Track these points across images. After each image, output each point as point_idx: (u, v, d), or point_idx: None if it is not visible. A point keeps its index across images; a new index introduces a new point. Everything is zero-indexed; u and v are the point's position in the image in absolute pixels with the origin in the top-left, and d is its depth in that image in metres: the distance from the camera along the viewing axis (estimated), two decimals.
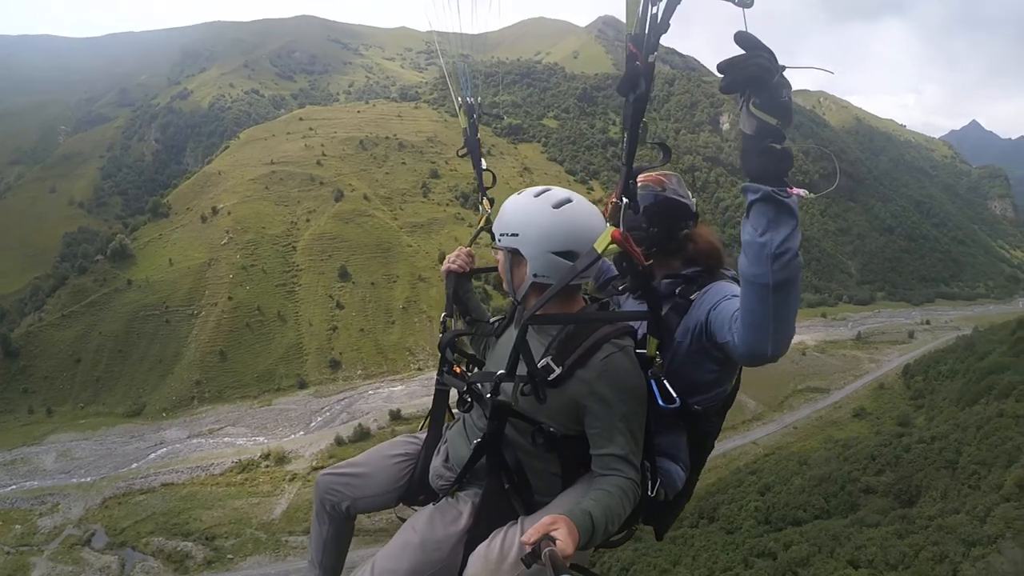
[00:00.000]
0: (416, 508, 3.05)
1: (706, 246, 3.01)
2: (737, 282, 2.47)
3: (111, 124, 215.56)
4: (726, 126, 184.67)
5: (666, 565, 37.83)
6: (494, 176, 3.87)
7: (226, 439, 79.42)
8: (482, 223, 3.69)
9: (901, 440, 51.55)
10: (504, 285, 2.79)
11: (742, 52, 1.85)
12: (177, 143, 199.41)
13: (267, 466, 71.85)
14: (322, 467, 68.09)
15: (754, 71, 1.84)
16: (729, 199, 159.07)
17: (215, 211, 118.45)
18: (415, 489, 3.12)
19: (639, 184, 2.80)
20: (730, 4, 1.74)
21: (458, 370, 3.09)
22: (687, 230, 3.06)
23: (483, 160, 3.85)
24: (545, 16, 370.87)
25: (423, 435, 3.26)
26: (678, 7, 1.94)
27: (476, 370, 3.18)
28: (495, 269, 3.28)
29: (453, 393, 3.06)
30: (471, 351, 3.37)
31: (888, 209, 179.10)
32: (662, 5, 1.95)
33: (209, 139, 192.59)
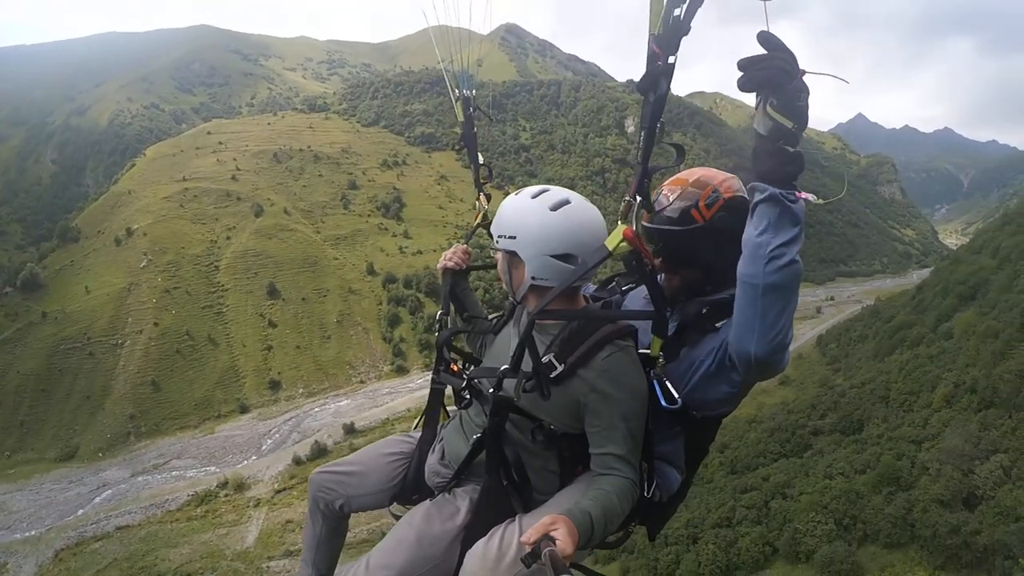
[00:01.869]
0: (410, 507, 3.09)
1: None
2: None
3: (5, 144, 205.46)
4: (631, 129, 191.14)
5: None
6: (490, 171, 3.91)
7: (174, 472, 76.94)
8: (479, 220, 3.73)
9: (835, 389, 60.42)
10: (503, 285, 2.83)
11: (763, 52, 1.91)
12: (76, 163, 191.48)
13: (227, 495, 70.03)
14: (284, 489, 67.86)
15: (774, 73, 1.89)
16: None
17: (129, 232, 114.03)
18: (409, 488, 3.15)
19: (695, 201, 2.78)
20: None
21: (455, 368, 3.16)
22: None
23: (480, 155, 3.89)
24: (447, 25, 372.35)
25: (417, 434, 3.30)
26: (699, 9, 2.02)
27: (473, 368, 3.19)
28: (492, 267, 3.47)
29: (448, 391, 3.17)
30: (468, 349, 3.45)
31: None
32: (685, 7, 2.02)
33: (110, 157, 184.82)
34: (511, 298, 2.87)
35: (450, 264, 3.41)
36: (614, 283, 3.37)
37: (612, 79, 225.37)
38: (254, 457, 78.81)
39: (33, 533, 66.72)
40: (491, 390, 2.64)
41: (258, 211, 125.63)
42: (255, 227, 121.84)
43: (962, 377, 41.63)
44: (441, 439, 3.07)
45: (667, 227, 2.75)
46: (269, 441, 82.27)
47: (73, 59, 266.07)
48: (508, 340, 2.83)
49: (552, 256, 2.58)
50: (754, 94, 1.98)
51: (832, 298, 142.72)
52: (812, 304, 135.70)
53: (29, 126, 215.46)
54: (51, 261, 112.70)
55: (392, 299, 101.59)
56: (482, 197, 3.79)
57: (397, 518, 3.01)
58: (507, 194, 2.90)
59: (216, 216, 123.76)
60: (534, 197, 2.68)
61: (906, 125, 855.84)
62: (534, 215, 2.62)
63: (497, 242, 2.73)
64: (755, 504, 37.16)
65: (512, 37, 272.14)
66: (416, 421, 3.35)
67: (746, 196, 2.53)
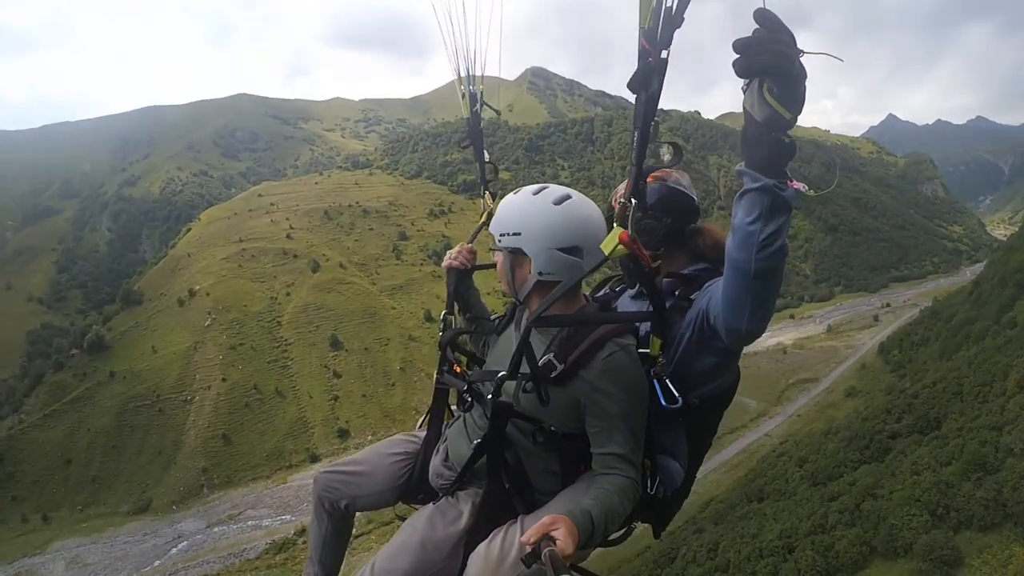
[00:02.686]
0: (415, 507, 3.10)
1: (714, 241, 3.02)
2: None
3: (60, 216, 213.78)
4: (667, 157, 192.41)
5: (754, 530, 41.38)
6: (496, 168, 3.85)
7: (250, 522, 77.67)
8: (484, 219, 3.64)
9: (906, 392, 59.05)
10: (503, 287, 2.77)
11: (759, 31, 1.76)
12: (131, 231, 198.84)
13: (305, 542, 69.66)
14: (362, 534, 68.18)
15: (775, 58, 1.75)
16: None
17: (192, 293, 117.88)
18: (414, 488, 3.13)
19: (649, 178, 2.89)
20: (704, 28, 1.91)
21: (458, 369, 3.11)
22: (694, 224, 3.11)
23: (485, 153, 3.79)
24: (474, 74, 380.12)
25: (422, 434, 3.27)
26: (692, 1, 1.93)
27: (476, 368, 3.20)
28: (493, 266, 3.48)
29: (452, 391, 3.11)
30: (471, 349, 3.39)
31: (829, 210, 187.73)
32: None
33: (165, 224, 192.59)
34: (513, 299, 2.84)
35: (455, 263, 3.36)
36: (607, 286, 3.37)
37: None
38: None
39: None
40: (490, 395, 2.61)
41: (315, 267, 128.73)
42: (313, 282, 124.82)
43: None
44: (445, 439, 3.07)
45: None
46: None
47: (118, 132, 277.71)
48: (509, 342, 2.82)
49: (559, 249, 2.59)
50: (768, 80, 1.83)
51: (888, 305, 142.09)
52: (868, 313, 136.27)
53: (82, 198, 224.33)
54: (116, 323, 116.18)
55: None
56: (487, 196, 3.74)
57: (402, 518, 3.04)
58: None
59: (274, 274, 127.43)
60: (535, 194, 2.69)
61: (938, 119, 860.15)
62: (538, 210, 2.64)
63: (500, 241, 2.69)
64: (846, 508, 36.73)
65: (539, 80, 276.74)
66: (420, 420, 3.37)
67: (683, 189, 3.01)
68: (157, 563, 70.91)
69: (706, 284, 2.71)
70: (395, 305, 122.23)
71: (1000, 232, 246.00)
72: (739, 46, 1.77)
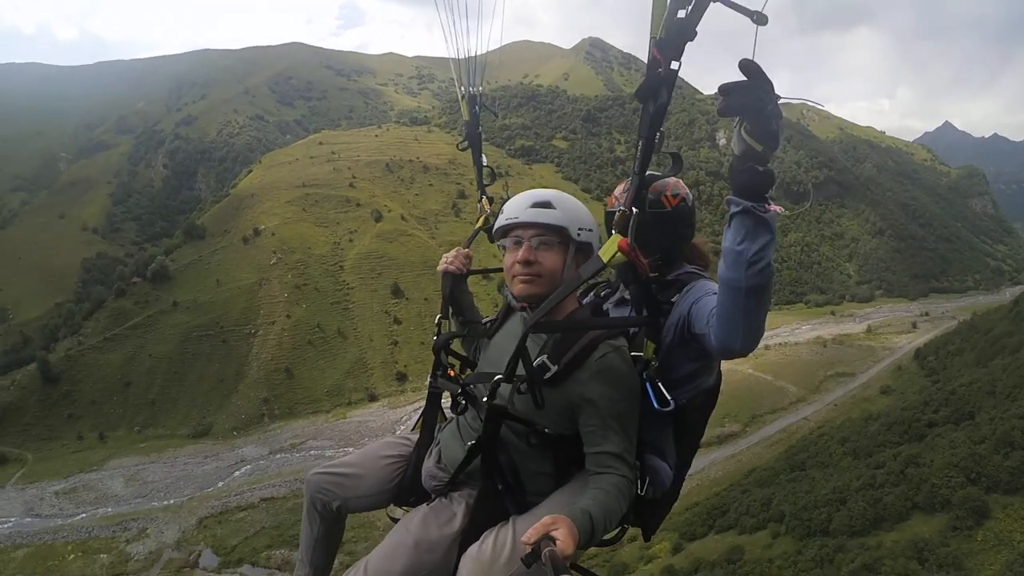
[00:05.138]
0: (407, 509, 3.10)
1: (703, 250, 3.20)
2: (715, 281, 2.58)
3: (115, 151, 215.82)
4: (723, 141, 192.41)
5: (807, 488, 46.34)
6: (493, 172, 3.88)
7: (313, 452, 78.88)
8: (480, 223, 3.67)
9: (944, 387, 64.13)
10: (536, 287, 2.69)
11: (743, 79, 1.92)
12: (187, 169, 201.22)
13: None
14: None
15: (749, 100, 1.92)
16: None
17: (256, 232, 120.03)
18: (406, 490, 3.13)
19: (662, 192, 3.03)
20: (733, 14, 1.86)
21: (452, 373, 3.13)
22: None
23: (483, 156, 3.82)
24: (530, 39, 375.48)
25: (415, 437, 3.28)
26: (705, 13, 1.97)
27: (469, 372, 3.22)
28: (492, 271, 3.62)
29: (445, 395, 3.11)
30: (463, 353, 3.41)
31: (877, 213, 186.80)
32: (690, 8, 1.96)
33: (221, 164, 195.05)
34: (510, 299, 2.88)
35: (451, 268, 3.45)
36: (592, 292, 3.39)
37: (699, 92, 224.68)
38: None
39: (172, 502, 69.02)
40: (485, 398, 2.63)
41: (377, 216, 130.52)
42: (376, 231, 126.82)
43: None
44: (438, 442, 3.08)
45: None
46: (402, 427, 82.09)
47: (173, 73, 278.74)
48: (503, 345, 2.82)
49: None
50: (744, 120, 2.01)
51: (927, 314, 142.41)
52: (907, 319, 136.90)
53: (137, 134, 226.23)
54: (178, 255, 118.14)
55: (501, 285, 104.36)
56: (484, 200, 3.76)
57: (395, 520, 3.04)
58: (605, 205, 3.21)
59: (337, 220, 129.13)
60: (555, 194, 2.78)
61: (995, 133, 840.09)
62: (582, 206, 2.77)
63: (578, 236, 2.71)
64: (892, 472, 41.10)
65: (596, 51, 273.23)
66: (414, 424, 3.36)
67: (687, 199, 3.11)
68: (221, 484, 72.52)
69: (686, 287, 2.87)
70: None
71: None
72: (722, 90, 1.95)
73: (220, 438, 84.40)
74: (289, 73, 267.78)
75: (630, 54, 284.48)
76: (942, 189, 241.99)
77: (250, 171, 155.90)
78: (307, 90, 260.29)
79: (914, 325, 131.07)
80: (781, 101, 1.95)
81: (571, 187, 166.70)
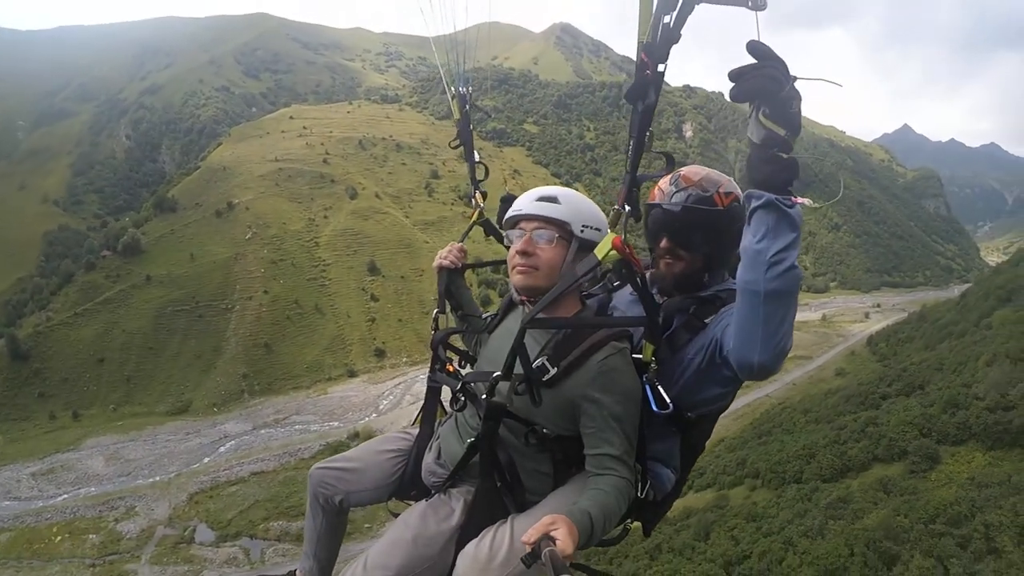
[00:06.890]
0: (408, 503, 3.12)
1: None
2: None
3: (76, 119, 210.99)
4: (689, 134, 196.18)
5: (777, 447, 51.40)
6: (487, 169, 3.86)
7: (297, 427, 79.25)
8: (475, 218, 3.68)
9: (896, 366, 70.61)
10: (538, 278, 2.65)
11: (753, 61, 1.87)
12: (151, 140, 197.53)
13: (356, 444, 72.31)
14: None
15: (764, 82, 1.86)
16: None
17: (231, 206, 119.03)
18: (407, 485, 3.14)
19: (715, 188, 2.83)
20: (729, 8, 1.87)
21: (451, 368, 3.09)
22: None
23: (476, 153, 3.83)
24: (499, 21, 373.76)
25: (415, 431, 3.27)
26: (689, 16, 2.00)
27: (468, 367, 3.24)
28: (487, 264, 3.68)
29: (445, 390, 3.09)
30: (463, 348, 3.41)
31: (835, 209, 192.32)
32: (675, 14, 1.99)
33: (187, 136, 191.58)
34: (515, 295, 2.86)
35: (446, 263, 3.42)
36: (603, 282, 3.33)
37: (667, 83, 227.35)
38: (374, 415, 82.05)
39: (158, 479, 67.90)
40: (484, 396, 2.62)
41: (352, 193, 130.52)
42: (351, 208, 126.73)
43: (1000, 348, 50.72)
44: (438, 437, 3.07)
45: (695, 205, 2.78)
46: (385, 402, 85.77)
47: (136, 39, 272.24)
48: (502, 340, 2.80)
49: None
50: (762, 104, 1.95)
51: (878, 305, 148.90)
52: (860, 310, 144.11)
53: (99, 102, 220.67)
54: (149, 228, 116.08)
55: (483, 282, 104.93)
56: (478, 195, 3.81)
57: (395, 515, 3.06)
58: (568, 186, 3.21)
59: (312, 196, 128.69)
60: (563, 191, 2.75)
61: (952, 139, 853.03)
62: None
63: (582, 232, 2.66)
64: (854, 430, 46.18)
65: (567, 36, 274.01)
66: (414, 418, 3.34)
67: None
68: (207, 460, 71.96)
69: (723, 309, 2.73)
70: (428, 240, 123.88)
71: (993, 259, 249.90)
72: (732, 75, 1.91)
73: (200, 414, 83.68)
74: (255, 44, 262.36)
75: (600, 41, 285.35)
76: (898, 189, 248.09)
77: (220, 144, 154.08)
78: (273, 62, 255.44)
79: (867, 315, 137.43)
80: (797, 82, 1.90)
81: (542, 171, 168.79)
